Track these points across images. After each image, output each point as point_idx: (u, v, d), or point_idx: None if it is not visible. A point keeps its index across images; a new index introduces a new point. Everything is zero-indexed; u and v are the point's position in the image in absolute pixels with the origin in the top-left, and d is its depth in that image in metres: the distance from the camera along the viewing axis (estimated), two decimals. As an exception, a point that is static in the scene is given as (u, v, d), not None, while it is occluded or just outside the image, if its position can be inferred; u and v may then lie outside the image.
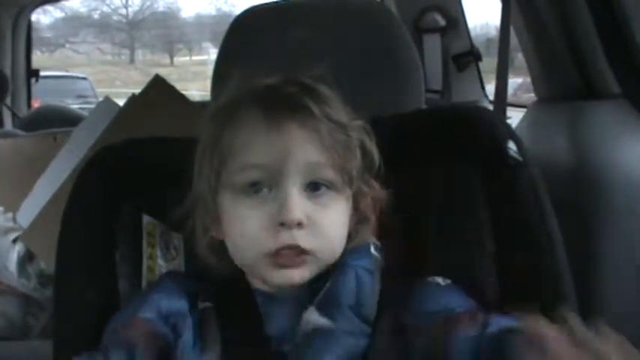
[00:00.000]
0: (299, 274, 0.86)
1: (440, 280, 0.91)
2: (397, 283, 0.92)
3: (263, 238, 0.84)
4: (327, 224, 0.86)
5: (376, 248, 0.93)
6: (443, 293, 0.89)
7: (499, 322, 0.81)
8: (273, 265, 0.85)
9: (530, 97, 1.77)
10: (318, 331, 0.85)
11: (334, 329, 0.85)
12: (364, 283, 0.89)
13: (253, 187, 0.85)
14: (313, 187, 0.86)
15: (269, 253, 0.84)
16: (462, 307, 0.87)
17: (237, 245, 0.88)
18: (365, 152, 0.91)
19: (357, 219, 0.92)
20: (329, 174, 0.86)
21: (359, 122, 0.90)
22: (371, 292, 0.89)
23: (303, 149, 0.84)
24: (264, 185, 0.85)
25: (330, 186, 0.86)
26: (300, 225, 0.83)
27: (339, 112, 0.88)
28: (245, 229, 0.85)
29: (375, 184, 0.93)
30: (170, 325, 0.88)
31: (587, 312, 0.99)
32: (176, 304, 0.89)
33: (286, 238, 0.83)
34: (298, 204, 0.83)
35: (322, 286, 0.89)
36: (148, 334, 0.86)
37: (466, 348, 0.81)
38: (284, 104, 0.85)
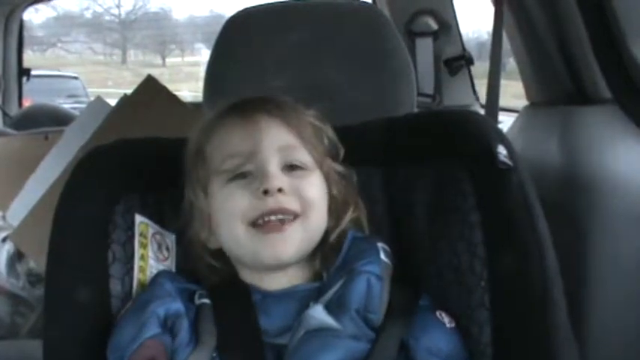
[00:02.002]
0: (285, 243, 0.92)
1: (447, 320, 0.94)
2: (404, 292, 0.95)
3: (249, 208, 0.92)
4: (307, 189, 0.95)
5: (386, 254, 0.95)
6: (442, 335, 0.92)
7: None
8: (261, 236, 0.91)
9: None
10: (323, 329, 0.87)
11: (339, 330, 0.87)
12: (374, 290, 0.91)
13: (237, 173, 0.94)
14: (290, 168, 0.95)
15: (255, 221, 0.92)
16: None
17: (227, 225, 0.94)
18: (328, 138, 1.01)
19: (336, 203, 0.99)
20: (301, 155, 0.96)
21: (312, 111, 1.01)
22: (379, 299, 0.91)
23: (276, 133, 0.96)
24: (246, 171, 0.94)
25: (304, 166, 0.96)
26: (281, 191, 0.92)
27: (308, 109, 1.02)
28: (232, 204, 0.93)
29: (344, 170, 1.01)
30: (168, 327, 0.90)
31: (577, 316, 1.00)
32: (172, 306, 0.91)
33: (270, 202, 0.91)
34: (277, 175, 0.93)
35: (319, 287, 0.93)
36: (163, 350, 0.88)
37: None
38: (255, 101, 0.99)
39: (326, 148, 1.00)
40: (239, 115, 0.98)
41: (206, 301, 0.94)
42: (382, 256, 0.94)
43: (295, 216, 0.93)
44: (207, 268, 0.99)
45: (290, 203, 0.92)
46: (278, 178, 0.92)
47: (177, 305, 0.91)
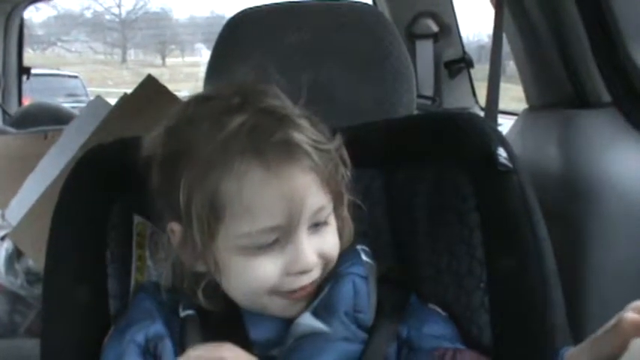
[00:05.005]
0: (303, 301, 0.88)
1: (440, 310, 0.94)
2: (393, 290, 0.94)
3: (279, 283, 0.85)
4: (330, 250, 0.88)
5: (367, 254, 0.94)
6: (441, 322, 0.92)
7: None
8: (285, 301, 0.87)
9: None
10: (312, 335, 0.86)
11: (329, 333, 0.86)
12: (360, 290, 0.90)
13: (263, 245, 0.84)
14: (314, 226, 0.86)
15: (286, 293, 0.86)
16: (458, 342, 0.90)
17: (245, 289, 0.87)
18: (344, 163, 0.90)
19: (339, 223, 0.93)
20: (328, 209, 0.87)
21: (336, 141, 0.89)
22: (367, 299, 0.90)
23: (311, 196, 0.83)
24: (275, 239, 0.84)
25: (327, 221, 0.88)
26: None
27: (318, 133, 0.86)
28: (257, 276, 0.84)
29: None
30: (151, 349, 0.87)
31: (576, 319, 1.00)
32: (151, 329, 0.88)
33: (304, 280, 0.86)
34: (311, 249, 0.85)
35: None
36: None
37: None
38: (281, 151, 0.81)
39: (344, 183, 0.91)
40: (265, 168, 0.81)
41: (191, 312, 0.90)
42: (363, 256, 0.93)
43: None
44: (190, 287, 0.91)
45: (318, 273, 0.87)
46: (311, 253, 0.85)
47: (157, 327, 0.88)
